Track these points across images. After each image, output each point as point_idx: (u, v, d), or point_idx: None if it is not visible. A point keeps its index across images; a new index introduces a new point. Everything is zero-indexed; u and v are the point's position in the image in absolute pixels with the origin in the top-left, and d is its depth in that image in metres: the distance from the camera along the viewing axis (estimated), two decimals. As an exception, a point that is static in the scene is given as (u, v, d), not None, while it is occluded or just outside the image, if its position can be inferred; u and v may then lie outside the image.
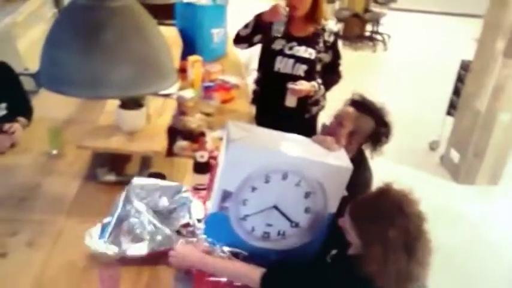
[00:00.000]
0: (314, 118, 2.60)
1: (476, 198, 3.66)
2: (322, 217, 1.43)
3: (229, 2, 3.36)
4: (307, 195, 1.39)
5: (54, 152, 2.08)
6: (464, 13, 8.43)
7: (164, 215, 1.62)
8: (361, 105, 1.80)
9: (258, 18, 2.40)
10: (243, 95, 2.83)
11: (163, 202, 1.64)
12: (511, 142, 3.66)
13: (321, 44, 2.41)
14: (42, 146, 2.10)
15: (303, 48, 2.39)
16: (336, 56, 2.49)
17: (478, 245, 3.15)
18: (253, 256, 1.44)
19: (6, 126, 2.15)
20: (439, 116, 4.17)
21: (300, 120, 2.47)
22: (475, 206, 3.56)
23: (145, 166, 1.95)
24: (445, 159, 4.04)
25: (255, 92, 2.67)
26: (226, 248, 1.45)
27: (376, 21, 7.15)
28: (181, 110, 2.27)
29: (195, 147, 2.09)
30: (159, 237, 1.52)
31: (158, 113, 2.16)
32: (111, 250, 1.48)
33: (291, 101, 2.40)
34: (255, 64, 2.64)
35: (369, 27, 7.24)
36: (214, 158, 1.96)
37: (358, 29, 7.14)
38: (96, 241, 1.50)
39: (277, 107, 2.42)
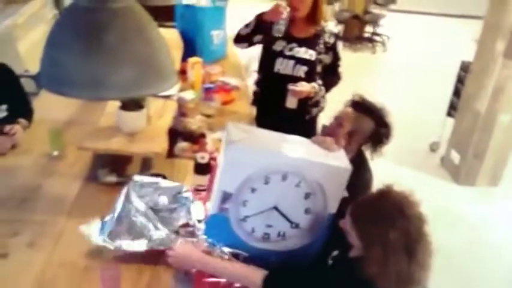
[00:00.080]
0: (314, 119, 2.61)
1: (476, 200, 3.66)
2: (322, 218, 1.43)
3: (228, 4, 3.37)
4: (307, 196, 1.39)
5: (55, 153, 2.09)
6: (464, 14, 8.46)
7: (164, 215, 1.62)
8: (360, 106, 1.80)
9: (259, 17, 2.41)
10: (243, 96, 2.84)
11: (164, 201, 1.65)
12: (511, 143, 3.66)
13: (321, 45, 2.42)
14: (43, 147, 2.10)
15: (303, 49, 2.39)
16: (336, 58, 2.49)
17: (478, 246, 3.15)
18: (253, 257, 1.44)
19: (7, 127, 2.16)
20: (439, 117, 4.18)
21: (300, 121, 2.47)
22: (475, 207, 3.56)
23: (146, 167, 1.95)
24: (445, 161, 4.04)
25: (255, 93, 2.67)
26: (226, 249, 1.45)
27: (375, 22, 7.17)
28: (182, 111, 2.28)
29: (195, 149, 2.09)
30: (158, 237, 1.52)
31: (159, 114, 2.16)
32: (111, 245, 1.49)
33: (291, 103, 2.41)
34: (255, 65, 2.64)
35: (368, 29, 7.25)
36: (215, 159, 1.96)
37: (358, 31, 7.16)
38: (95, 237, 1.51)
39: (278, 108, 2.43)
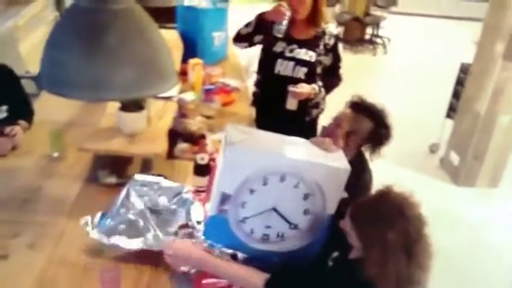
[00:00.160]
0: (314, 121, 2.61)
1: (476, 201, 3.66)
2: (321, 219, 1.43)
3: (230, 5, 3.38)
4: (305, 196, 1.39)
5: (56, 154, 2.09)
6: (464, 16, 8.46)
7: (163, 215, 1.62)
8: (359, 106, 1.81)
9: (260, 17, 2.41)
10: (243, 97, 2.84)
11: (164, 202, 1.65)
12: (511, 144, 3.66)
13: (321, 47, 2.42)
14: (43, 148, 2.11)
15: (303, 50, 2.40)
16: (336, 59, 2.50)
17: (477, 247, 3.15)
18: (253, 258, 1.44)
19: (8, 129, 2.16)
20: (439, 119, 4.18)
21: (300, 123, 2.48)
22: (474, 208, 3.56)
23: (146, 168, 1.96)
24: (445, 162, 4.04)
25: (255, 94, 2.67)
26: (225, 250, 1.45)
27: (376, 24, 7.17)
28: (182, 112, 2.28)
29: (195, 150, 2.09)
30: (152, 237, 1.53)
31: (159, 115, 2.17)
32: (106, 240, 1.50)
33: (291, 104, 2.41)
34: (255, 66, 2.65)
35: (369, 31, 7.25)
36: (215, 160, 1.97)
37: (359, 33, 7.16)
38: (93, 232, 1.52)
39: (277, 109, 2.43)
